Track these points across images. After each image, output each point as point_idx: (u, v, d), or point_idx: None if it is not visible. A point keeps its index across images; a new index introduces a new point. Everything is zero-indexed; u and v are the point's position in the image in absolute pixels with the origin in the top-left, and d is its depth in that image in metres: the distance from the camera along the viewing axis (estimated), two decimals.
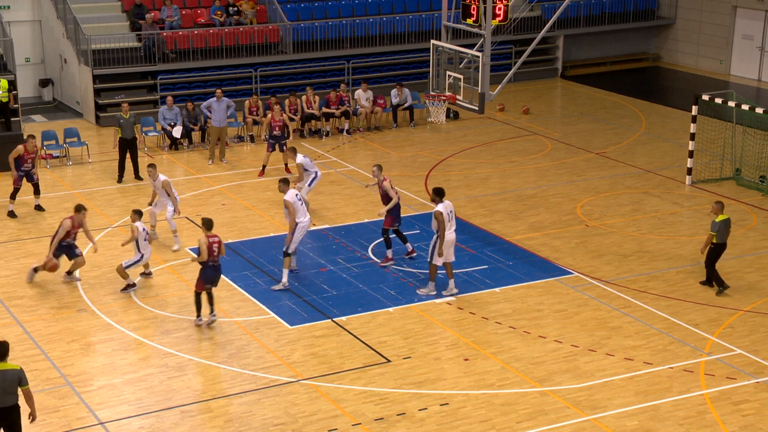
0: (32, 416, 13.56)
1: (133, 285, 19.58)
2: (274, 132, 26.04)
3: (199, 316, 18.19)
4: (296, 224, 19.49)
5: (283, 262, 19.71)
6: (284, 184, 19.83)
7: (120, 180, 25.74)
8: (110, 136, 28.33)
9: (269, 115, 26.55)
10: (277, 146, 26.09)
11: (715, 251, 19.55)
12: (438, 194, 19.14)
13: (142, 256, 19.43)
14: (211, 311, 18.24)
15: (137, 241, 19.30)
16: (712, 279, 19.79)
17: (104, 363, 16.92)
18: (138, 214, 19.45)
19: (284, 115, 26.67)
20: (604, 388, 16.21)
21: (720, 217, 19.39)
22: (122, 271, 19.37)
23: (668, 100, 34.10)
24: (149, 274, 20.16)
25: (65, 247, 19.75)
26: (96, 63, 30.60)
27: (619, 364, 16.96)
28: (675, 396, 16.01)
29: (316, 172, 23.04)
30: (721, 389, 16.22)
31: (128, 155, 25.67)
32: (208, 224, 18.16)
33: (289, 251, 19.57)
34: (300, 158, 22.80)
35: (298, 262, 20.71)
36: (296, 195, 19.65)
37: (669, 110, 32.87)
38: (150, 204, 22.00)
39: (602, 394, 16.04)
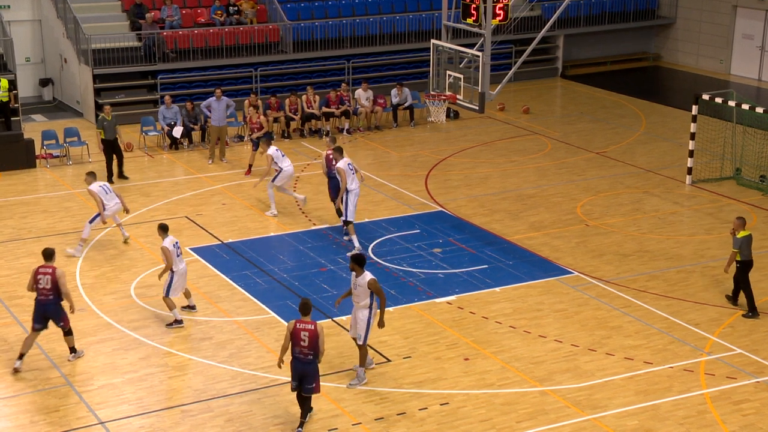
0: None
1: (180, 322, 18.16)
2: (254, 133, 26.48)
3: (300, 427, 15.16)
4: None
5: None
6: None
7: (110, 181, 25.65)
8: None
9: (249, 116, 26.91)
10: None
11: (742, 269, 18.67)
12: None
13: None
14: (299, 426, 15.05)
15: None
16: (738, 296, 18.92)
17: (104, 362, 16.91)
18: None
19: (261, 117, 27.15)
20: (604, 388, 16.20)
21: (741, 233, 18.54)
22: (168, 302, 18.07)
23: (668, 99, 34.09)
24: (192, 307, 18.72)
25: None
26: (96, 62, 30.59)
27: (620, 363, 16.96)
28: (675, 395, 16.01)
29: (281, 168, 23.02)
30: (722, 389, 16.21)
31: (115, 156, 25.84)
32: (303, 308, 14.90)
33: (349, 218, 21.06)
34: (272, 150, 22.99)
35: (298, 261, 20.73)
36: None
37: (669, 110, 32.86)
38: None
39: (602, 393, 16.04)
